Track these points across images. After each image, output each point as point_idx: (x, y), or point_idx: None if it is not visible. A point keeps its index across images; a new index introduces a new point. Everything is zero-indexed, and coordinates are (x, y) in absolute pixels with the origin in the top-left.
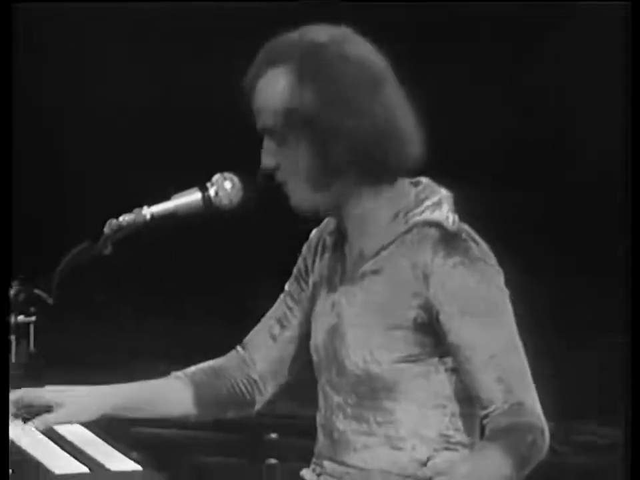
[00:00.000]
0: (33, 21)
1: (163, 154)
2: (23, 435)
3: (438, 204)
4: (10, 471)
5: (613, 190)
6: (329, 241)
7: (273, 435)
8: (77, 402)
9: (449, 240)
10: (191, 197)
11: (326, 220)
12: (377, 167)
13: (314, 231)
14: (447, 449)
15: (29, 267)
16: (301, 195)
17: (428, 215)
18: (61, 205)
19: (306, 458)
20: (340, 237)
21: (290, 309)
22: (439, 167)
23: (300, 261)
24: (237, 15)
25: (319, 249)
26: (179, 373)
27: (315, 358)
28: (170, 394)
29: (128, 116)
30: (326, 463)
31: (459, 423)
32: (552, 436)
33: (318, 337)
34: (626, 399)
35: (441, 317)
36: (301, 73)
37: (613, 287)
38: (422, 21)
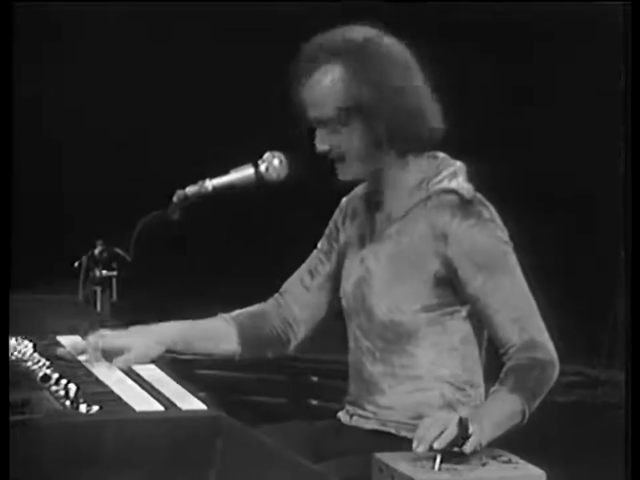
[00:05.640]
0: (33, 21)
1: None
2: (107, 374)
3: (454, 174)
4: (98, 407)
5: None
6: (360, 204)
7: (314, 378)
8: (142, 344)
9: (464, 205)
10: (246, 171)
11: (355, 190)
12: (410, 140)
13: (344, 198)
14: (457, 387)
15: (28, 266)
16: (350, 169)
17: (446, 184)
18: (60, 205)
19: (342, 399)
20: (371, 202)
21: (320, 261)
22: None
23: (331, 223)
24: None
25: (349, 212)
26: (225, 315)
27: (344, 305)
28: (218, 332)
29: (128, 116)
30: (357, 404)
31: (467, 364)
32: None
33: (347, 287)
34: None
35: (460, 272)
36: (351, 69)
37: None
38: (421, 20)
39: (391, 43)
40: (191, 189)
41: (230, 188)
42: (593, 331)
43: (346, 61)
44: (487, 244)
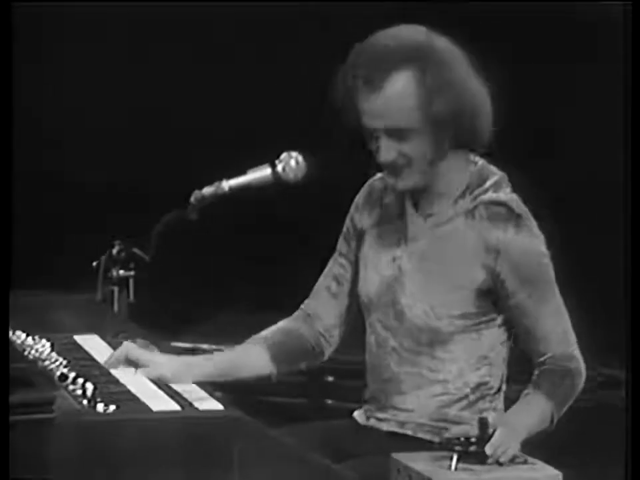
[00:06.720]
0: (33, 21)
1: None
2: (125, 374)
3: (499, 184)
4: (115, 406)
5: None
6: (387, 200)
7: (330, 378)
8: (173, 369)
9: (515, 220)
10: (263, 172)
11: (369, 182)
12: (474, 143)
13: (359, 193)
14: (483, 393)
15: (29, 267)
16: (414, 178)
17: (492, 195)
18: (60, 205)
19: (357, 399)
20: (403, 200)
21: (342, 266)
22: None
23: (348, 221)
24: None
25: (367, 206)
26: (256, 337)
27: (365, 300)
28: (251, 359)
29: (128, 116)
30: (375, 404)
31: (494, 370)
32: None
33: (371, 284)
34: (626, 338)
35: (507, 284)
36: (424, 76)
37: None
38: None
39: (449, 44)
40: (207, 190)
41: (247, 188)
42: (608, 331)
43: (417, 67)
44: (534, 258)
